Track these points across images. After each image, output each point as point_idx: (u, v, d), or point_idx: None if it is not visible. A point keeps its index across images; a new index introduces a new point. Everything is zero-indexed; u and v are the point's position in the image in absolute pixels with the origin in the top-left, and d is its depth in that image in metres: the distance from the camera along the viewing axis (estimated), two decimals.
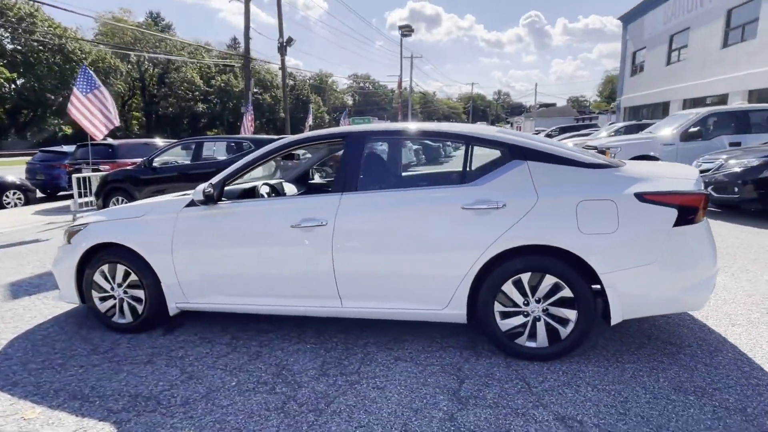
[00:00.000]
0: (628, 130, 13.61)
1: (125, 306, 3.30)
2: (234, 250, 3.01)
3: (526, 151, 2.71)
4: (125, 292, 3.29)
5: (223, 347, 3.05)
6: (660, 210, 2.47)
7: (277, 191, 4.03)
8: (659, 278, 2.50)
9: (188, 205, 3.13)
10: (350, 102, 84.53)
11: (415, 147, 17.29)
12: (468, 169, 2.84)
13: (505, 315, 2.68)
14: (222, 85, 50.70)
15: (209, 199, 2.98)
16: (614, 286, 2.50)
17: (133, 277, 3.23)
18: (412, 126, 3.10)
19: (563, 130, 24.56)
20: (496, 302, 2.67)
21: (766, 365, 2.56)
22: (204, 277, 3.10)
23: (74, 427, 2.22)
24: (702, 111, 9.36)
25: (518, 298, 2.64)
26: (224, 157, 7.88)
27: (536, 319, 2.65)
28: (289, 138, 3.21)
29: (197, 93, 48.99)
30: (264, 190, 3.80)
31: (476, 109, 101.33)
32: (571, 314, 2.58)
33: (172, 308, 3.24)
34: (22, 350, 3.10)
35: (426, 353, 2.85)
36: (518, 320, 2.67)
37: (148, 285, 3.20)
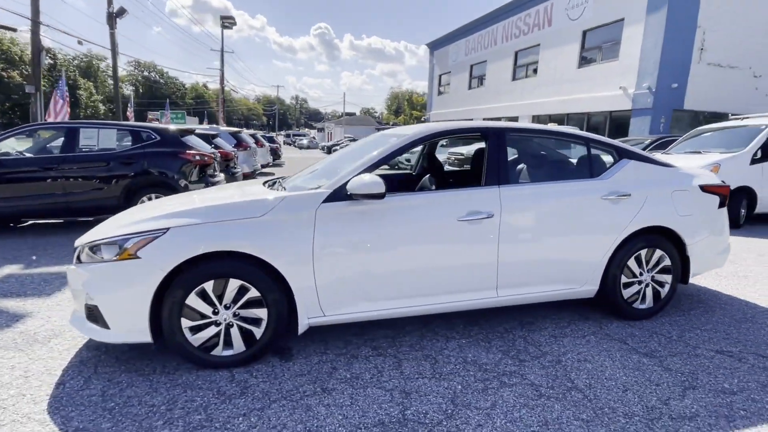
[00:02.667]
0: (466, 142, 16.23)
1: (234, 332, 2.57)
2: (396, 248, 2.73)
3: (627, 152, 3.36)
4: (235, 315, 2.56)
5: (382, 359, 2.73)
6: (711, 197, 3.47)
7: None
8: (710, 246, 3.49)
9: (327, 200, 2.67)
10: (130, 92, 72.39)
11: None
12: (590, 165, 3.31)
13: (626, 285, 3.27)
14: None
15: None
16: (692, 254, 3.38)
17: (252, 293, 2.55)
18: (540, 126, 3.39)
19: None
20: (622, 276, 3.23)
21: (756, 300, 3.83)
22: (351, 284, 2.70)
23: None
24: None
25: (637, 270, 3.27)
26: (123, 149, 6.12)
27: (646, 286, 3.33)
28: (434, 128, 3.07)
29: None
30: None
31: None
32: (668, 278, 3.36)
33: (303, 326, 2.69)
34: (108, 421, 2.11)
35: (567, 328, 3.20)
36: (634, 288, 3.30)
37: (274, 301, 2.58)
